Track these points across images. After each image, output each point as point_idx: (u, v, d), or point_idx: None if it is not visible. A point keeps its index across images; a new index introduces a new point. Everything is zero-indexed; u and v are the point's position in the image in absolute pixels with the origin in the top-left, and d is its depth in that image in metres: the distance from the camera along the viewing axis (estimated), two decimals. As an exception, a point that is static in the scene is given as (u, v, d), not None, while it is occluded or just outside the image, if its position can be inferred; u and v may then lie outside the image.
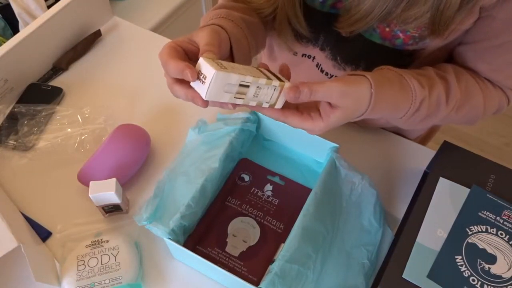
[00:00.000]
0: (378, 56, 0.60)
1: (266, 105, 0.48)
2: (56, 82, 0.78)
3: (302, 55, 0.71)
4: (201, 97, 0.45)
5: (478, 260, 0.49)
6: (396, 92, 0.52)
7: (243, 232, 0.59)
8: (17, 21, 1.13)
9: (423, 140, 0.84)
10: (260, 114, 0.65)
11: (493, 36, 0.55)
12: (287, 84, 0.47)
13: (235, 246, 0.57)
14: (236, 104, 0.46)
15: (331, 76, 0.68)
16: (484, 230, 0.51)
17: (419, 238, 0.50)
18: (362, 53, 0.63)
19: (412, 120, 0.55)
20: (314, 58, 0.70)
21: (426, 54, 0.59)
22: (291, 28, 0.63)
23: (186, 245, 0.57)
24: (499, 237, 0.50)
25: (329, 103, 0.48)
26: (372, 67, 0.55)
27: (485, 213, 0.52)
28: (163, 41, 0.85)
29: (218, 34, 0.51)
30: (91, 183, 0.57)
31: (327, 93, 0.47)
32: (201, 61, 0.44)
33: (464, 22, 0.54)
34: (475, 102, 0.58)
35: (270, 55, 0.79)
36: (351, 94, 0.48)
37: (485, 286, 0.47)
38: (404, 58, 0.60)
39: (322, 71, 0.70)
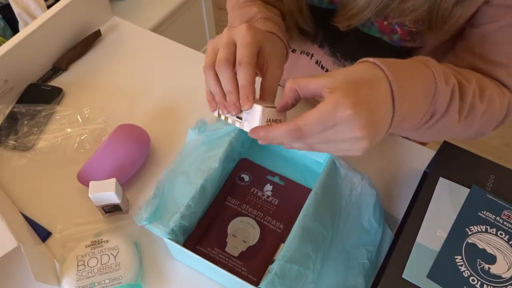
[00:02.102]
0: (376, 51, 0.60)
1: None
2: (56, 82, 0.78)
3: (301, 52, 0.71)
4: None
5: (478, 260, 0.49)
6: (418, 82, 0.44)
7: (243, 232, 0.59)
8: (17, 21, 1.13)
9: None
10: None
11: (489, 22, 0.53)
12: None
13: (235, 246, 0.57)
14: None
15: None
16: (484, 230, 0.51)
17: (419, 238, 0.50)
18: (360, 48, 0.63)
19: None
20: (312, 55, 0.70)
21: (425, 52, 0.59)
22: (296, 25, 0.64)
23: (186, 245, 0.57)
24: (499, 237, 0.50)
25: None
26: None
27: (485, 213, 0.52)
28: (163, 41, 0.85)
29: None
30: (91, 183, 0.57)
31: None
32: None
33: (463, 16, 0.54)
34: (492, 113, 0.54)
35: None
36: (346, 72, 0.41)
37: (485, 286, 0.47)
38: (402, 55, 0.60)
39: (322, 67, 0.70)
